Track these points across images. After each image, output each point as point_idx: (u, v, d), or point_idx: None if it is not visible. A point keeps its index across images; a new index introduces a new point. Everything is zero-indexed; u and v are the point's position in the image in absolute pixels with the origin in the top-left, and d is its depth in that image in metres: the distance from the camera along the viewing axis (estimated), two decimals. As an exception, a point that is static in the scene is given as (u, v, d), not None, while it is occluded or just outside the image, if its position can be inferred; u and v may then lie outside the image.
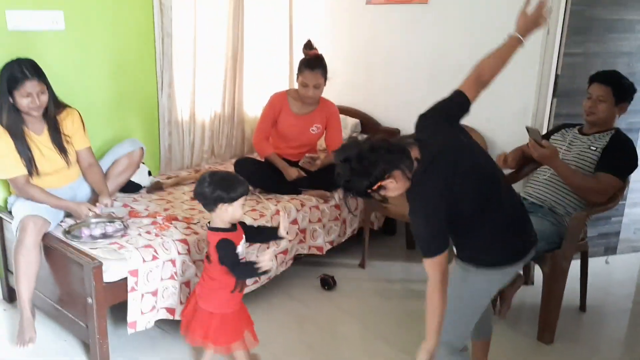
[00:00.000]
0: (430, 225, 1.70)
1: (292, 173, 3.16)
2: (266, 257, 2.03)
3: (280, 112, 3.21)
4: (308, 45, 3.19)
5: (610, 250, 3.54)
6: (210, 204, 2.08)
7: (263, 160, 3.29)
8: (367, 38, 3.86)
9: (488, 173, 1.83)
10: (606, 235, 3.49)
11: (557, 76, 3.10)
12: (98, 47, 2.99)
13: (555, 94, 3.13)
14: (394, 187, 1.71)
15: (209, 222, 2.17)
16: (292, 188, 3.14)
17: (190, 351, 2.48)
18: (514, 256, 1.84)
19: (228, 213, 2.08)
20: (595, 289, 3.02)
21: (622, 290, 3.23)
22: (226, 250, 2.07)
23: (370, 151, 1.68)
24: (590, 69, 3.05)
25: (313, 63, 3.08)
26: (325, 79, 3.14)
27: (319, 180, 3.16)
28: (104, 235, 2.46)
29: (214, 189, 2.05)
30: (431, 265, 1.71)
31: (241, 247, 2.14)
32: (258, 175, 3.12)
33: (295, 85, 3.24)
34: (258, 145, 3.26)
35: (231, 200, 2.06)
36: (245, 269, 2.11)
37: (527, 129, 2.63)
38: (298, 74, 3.13)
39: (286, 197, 3.09)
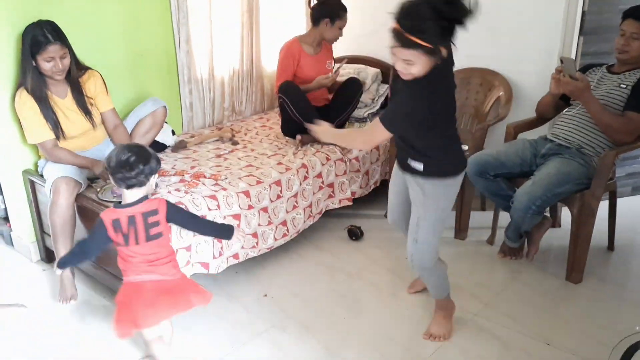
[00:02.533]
0: (413, 114, 1.84)
1: (325, 80, 3.24)
2: None
3: (300, 58, 3.28)
4: None
5: (639, 189, 3.50)
6: (145, 176, 1.96)
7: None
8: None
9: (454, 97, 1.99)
10: (634, 175, 3.45)
11: (583, 12, 3.00)
12: (113, 5, 2.96)
13: (582, 31, 3.03)
14: (424, 62, 1.75)
15: (120, 202, 2.02)
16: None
17: (223, 302, 2.56)
18: (464, 166, 2.11)
19: (153, 184, 2.03)
20: (623, 228, 3.01)
21: (650, 229, 3.22)
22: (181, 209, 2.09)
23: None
24: (618, 3, 2.96)
25: (345, 7, 3.26)
26: None
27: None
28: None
29: (146, 158, 1.95)
30: (379, 133, 1.90)
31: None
32: (303, 101, 3.15)
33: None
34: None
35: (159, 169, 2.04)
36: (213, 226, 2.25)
37: (561, 59, 2.57)
38: (335, 19, 3.23)
39: (313, 149, 3.10)
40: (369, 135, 2.01)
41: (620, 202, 2.92)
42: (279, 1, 3.78)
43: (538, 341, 2.27)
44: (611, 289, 2.64)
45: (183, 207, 2.42)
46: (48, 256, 2.85)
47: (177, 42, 3.27)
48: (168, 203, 2.06)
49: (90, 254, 2.13)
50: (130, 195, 1.98)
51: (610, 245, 2.96)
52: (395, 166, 2.22)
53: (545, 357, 2.19)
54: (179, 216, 2.14)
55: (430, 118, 1.85)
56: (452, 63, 1.88)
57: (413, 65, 1.77)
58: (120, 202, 2.03)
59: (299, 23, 3.95)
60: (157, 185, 2.57)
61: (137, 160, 1.93)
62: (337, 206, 3.13)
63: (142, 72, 3.19)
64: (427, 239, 2.11)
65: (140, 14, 3.10)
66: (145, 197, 2.01)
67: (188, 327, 2.37)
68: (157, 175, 2.04)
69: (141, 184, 1.96)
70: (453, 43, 1.79)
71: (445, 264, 2.29)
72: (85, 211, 2.50)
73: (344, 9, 3.25)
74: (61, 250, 2.46)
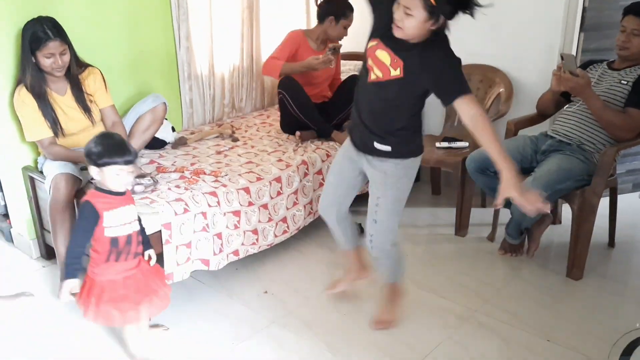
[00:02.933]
0: (461, 67, 1.89)
1: (314, 60, 3.17)
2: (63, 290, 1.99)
3: (299, 46, 3.30)
4: None
5: (638, 186, 3.50)
6: (89, 162, 1.94)
7: (278, 79, 3.29)
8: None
9: None
10: (634, 172, 3.44)
11: (584, 9, 3.00)
12: (114, 3, 2.95)
13: (582, 27, 3.03)
14: (422, 19, 1.77)
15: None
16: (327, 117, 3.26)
17: (224, 299, 2.55)
18: (423, 147, 2.15)
19: (99, 178, 1.95)
20: (624, 225, 3.00)
21: (650, 226, 3.22)
22: (81, 212, 1.97)
23: None
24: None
25: (352, 7, 3.27)
26: None
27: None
28: (133, 192, 2.50)
29: (94, 146, 1.92)
30: (473, 101, 1.85)
31: (120, 214, 1.98)
32: (302, 97, 3.16)
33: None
34: (267, 65, 3.28)
35: (100, 164, 1.91)
36: (72, 258, 2.00)
37: (562, 56, 2.56)
38: (340, 18, 3.24)
39: (313, 145, 3.10)
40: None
41: (621, 198, 2.92)
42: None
43: (539, 337, 2.27)
44: (612, 285, 2.64)
45: (183, 203, 2.42)
46: (48, 253, 2.85)
47: (177, 38, 3.26)
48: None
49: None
50: (120, 181, 1.95)
51: (611, 242, 2.95)
52: (346, 147, 2.20)
53: (546, 353, 2.18)
54: None
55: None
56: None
57: (410, 17, 1.77)
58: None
59: (299, 20, 3.94)
60: (157, 182, 2.57)
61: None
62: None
63: (142, 69, 3.18)
64: (387, 218, 2.12)
65: (141, 11, 3.09)
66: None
67: (188, 324, 2.37)
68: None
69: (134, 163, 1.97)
70: (449, 29, 1.85)
71: (403, 252, 2.33)
72: (86, 208, 2.49)
73: (350, 9, 3.25)
74: (61, 247, 2.46)
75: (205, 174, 2.71)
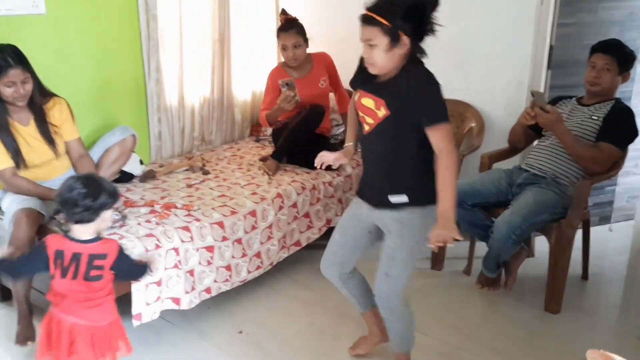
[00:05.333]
0: (438, 92, 1.82)
1: (279, 103, 3.11)
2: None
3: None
4: (283, 12, 3.29)
5: (605, 219, 3.58)
6: (93, 212, 1.81)
7: (272, 128, 3.36)
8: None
9: None
10: (600, 205, 3.52)
11: (551, 47, 3.09)
12: (81, 31, 2.87)
13: (549, 65, 3.12)
14: (386, 45, 1.75)
15: (67, 232, 1.87)
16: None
17: (195, 340, 2.42)
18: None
19: (106, 220, 1.86)
20: (593, 257, 3.03)
21: (619, 257, 3.25)
22: (128, 258, 1.94)
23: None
24: (583, 39, 3.06)
25: (286, 25, 3.20)
26: (305, 39, 3.22)
27: (302, 158, 3.13)
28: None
29: (96, 193, 1.80)
30: (444, 133, 1.79)
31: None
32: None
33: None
34: (262, 118, 3.30)
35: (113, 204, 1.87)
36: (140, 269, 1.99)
37: (532, 93, 2.61)
38: (278, 42, 3.24)
39: (288, 178, 3.02)
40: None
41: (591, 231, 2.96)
42: (250, 31, 3.75)
43: (523, 374, 2.23)
44: (589, 319, 2.64)
45: (155, 239, 2.31)
46: (4, 295, 2.65)
47: (146, 70, 3.19)
48: (120, 251, 1.89)
49: (20, 273, 1.97)
50: (80, 230, 1.83)
51: (585, 275, 2.98)
52: (356, 205, 2.08)
53: (531, 390, 2.14)
54: (123, 268, 1.91)
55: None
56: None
57: (375, 48, 1.77)
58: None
59: (270, 52, 3.92)
60: (125, 216, 2.44)
61: (84, 195, 1.78)
62: (317, 236, 3.04)
63: (110, 100, 3.09)
64: (400, 273, 1.97)
65: (110, 41, 3.02)
66: (99, 238, 1.86)
67: (159, 368, 2.22)
68: (109, 210, 1.87)
69: (89, 220, 1.81)
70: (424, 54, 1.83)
71: (414, 317, 2.13)
72: (48, 245, 2.34)
73: (280, 29, 3.20)
74: (19, 288, 2.29)
75: (176, 207, 2.60)
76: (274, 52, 3.93)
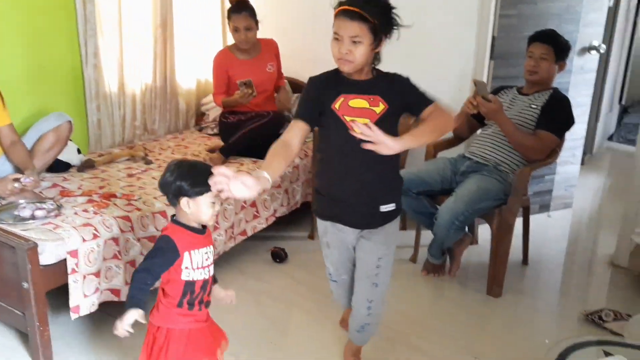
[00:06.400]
0: None
1: (237, 98, 3.15)
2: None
3: (228, 66, 3.24)
4: None
5: (545, 207, 3.70)
6: (172, 196, 1.72)
7: (225, 110, 3.34)
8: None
9: None
10: (540, 193, 3.64)
11: (493, 38, 3.16)
12: (10, 13, 2.70)
13: (492, 56, 3.19)
14: (369, 42, 1.72)
15: (174, 215, 1.78)
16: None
17: (140, 336, 2.33)
18: None
19: (190, 210, 1.70)
20: (533, 244, 3.13)
21: (557, 244, 3.39)
22: (156, 247, 1.73)
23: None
24: (523, 30, 3.14)
25: (238, 6, 3.16)
26: (256, 22, 3.21)
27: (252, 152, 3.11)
28: (34, 217, 2.24)
29: (177, 178, 1.68)
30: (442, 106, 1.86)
31: (199, 255, 1.75)
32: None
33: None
34: (217, 100, 3.34)
35: (195, 194, 1.68)
36: (140, 285, 1.73)
37: (475, 82, 2.66)
38: (229, 22, 3.20)
39: (234, 168, 2.93)
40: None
41: (530, 219, 3.06)
42: (194, 16, 3.65)
43: (470, 356, 2.27)
44: (529, 301, 2.73)
45: (92, 228, 2.21)
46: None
47: (83, 55, 3.04)
48: None
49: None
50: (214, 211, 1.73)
51: (525, 260, 3.07)
52: (338, 239, 1.98)
53: (476, 371, 2.19)
54: None
55: None
56: None
57: (359, 45, 1.70)
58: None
59: (215, 37, 3.84)
60: (60, 206, 2.32)
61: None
62: (264, 225, 3.00)
63: (43, 86, 2.93)
64: (386, 280, 1.98)
65: (43, 24, 2.86)
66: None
67: (97, 363, 2.13)
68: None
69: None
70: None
71: None
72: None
73: (232, 10, 3.17)
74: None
75: (116, 197, 2.49)
76: (219, 38, 3.85)
